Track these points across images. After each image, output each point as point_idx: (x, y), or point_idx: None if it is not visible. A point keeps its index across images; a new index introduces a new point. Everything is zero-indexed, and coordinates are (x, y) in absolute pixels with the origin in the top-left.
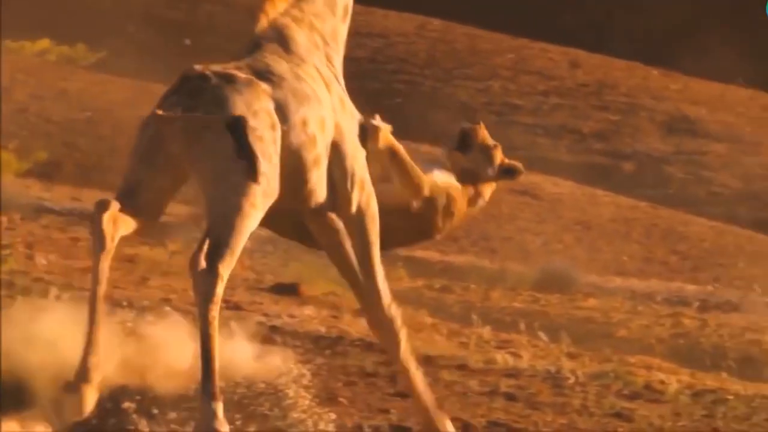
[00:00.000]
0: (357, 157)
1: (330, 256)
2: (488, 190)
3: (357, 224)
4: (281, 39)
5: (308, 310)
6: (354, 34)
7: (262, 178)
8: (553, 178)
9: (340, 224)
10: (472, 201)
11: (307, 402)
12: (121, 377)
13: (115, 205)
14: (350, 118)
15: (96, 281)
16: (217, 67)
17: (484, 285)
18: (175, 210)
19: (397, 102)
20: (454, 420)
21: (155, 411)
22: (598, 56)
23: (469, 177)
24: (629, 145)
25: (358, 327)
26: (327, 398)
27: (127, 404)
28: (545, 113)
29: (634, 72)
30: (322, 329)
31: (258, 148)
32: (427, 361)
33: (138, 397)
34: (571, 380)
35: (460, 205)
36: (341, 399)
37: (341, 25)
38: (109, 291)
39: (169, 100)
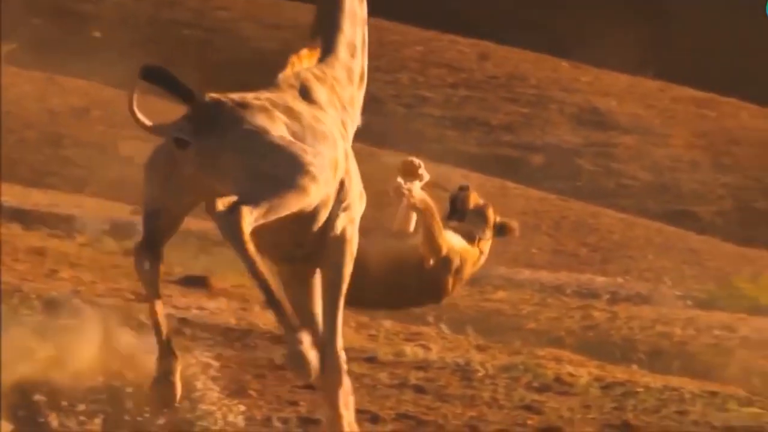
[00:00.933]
0: (355, 204)
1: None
2: (487, 246)
3: (335, 249)
4: (303, 88)
5: (218, 303)
6: (263, 25)
7: (311, 167)
8: (463, 170)
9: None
10: (476, 262)
11: (216, 394)
12: (31, 370)
13: (152, 251)
14: (355, 174)
15: (158, 326)
16: (234, 95)
17: None
18: (85, 203)
19: None
20: (363, 412)
21: (64, 403)
22: (507, 48)
23: (468, 239)
24: (539, 138)
25: (267, 320)
26: (236, 390)
27: (37, 397)
28: (454, 105)
29: (543, 64)
30: (232, 322)
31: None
32: None
33: (47, 390)
34: (481, 373)
35: (468, 268)
36: (250, 391)
37: (358, 93)
38: (18, 283)
39: (182, 127)
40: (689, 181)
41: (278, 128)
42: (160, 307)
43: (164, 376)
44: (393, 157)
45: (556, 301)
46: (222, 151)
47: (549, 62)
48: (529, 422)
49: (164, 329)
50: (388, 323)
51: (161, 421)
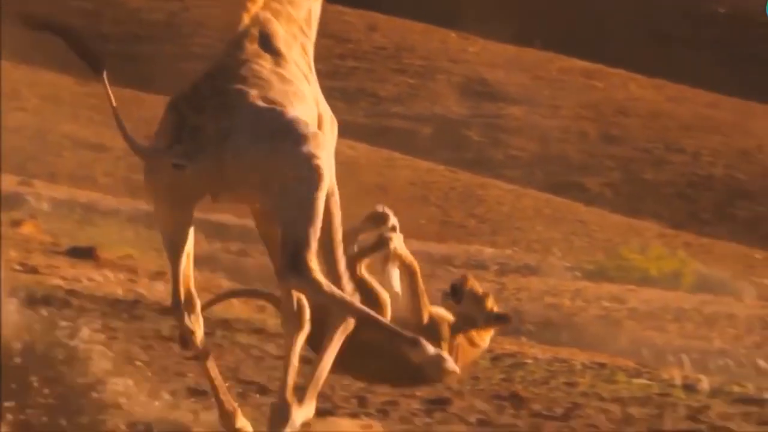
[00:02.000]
0: (329, 148)
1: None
2: (486, 336)
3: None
4: (262, 36)
5: (105, 274)
6: None
7: (322, 162)
8: (350, 141)
9: None
10: (472, 349)
11: (103, 365)
12: None
13: (188, 294)
14: (324, 111)
15: (214, 384)
16: (205, 88)
17: None
18: None
19: (193, 66)
20: (250, 383)
21: None
22: (395, 19)
23: (463, 322)
24: (427, 109)
25: (154, 291)
26: (124, 362)
27: None
28: (342, 76)
29: (431, 35)
30: (119, 293)
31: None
32: (224, 325)
33: None
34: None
35: (464, 352)
36: (138, 362)
37: (315, 4)
38: None
39: (177, 152)
40: (577, 153)
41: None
42: (212, 363)
43: None
44: None
45: (445, 272)
46: (225, 167)
47: (437, 33)
48: (418, 394)
49: (220, 386)
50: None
51: (47, 390)
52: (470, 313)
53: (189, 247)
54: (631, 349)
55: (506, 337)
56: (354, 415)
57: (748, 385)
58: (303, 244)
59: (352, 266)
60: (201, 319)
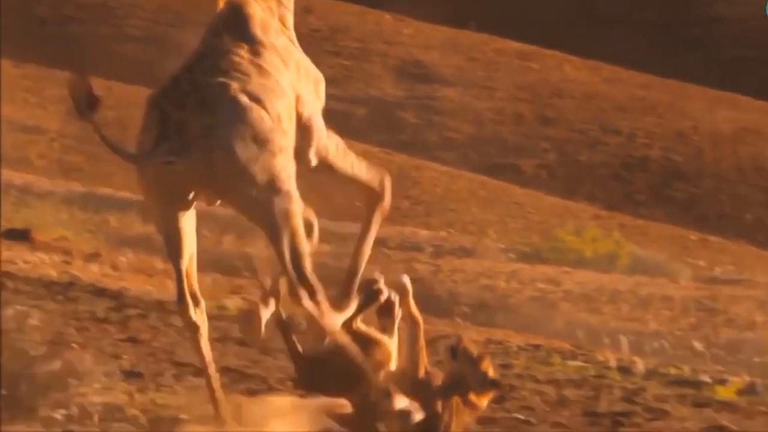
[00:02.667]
0: (314, 115)
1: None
2: (483, 400)
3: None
4: (239, 22)
5: (40, 256)
6: None
7: (288, 187)
8: None
9: None
10: (467, 409)
11: (38, 347)
12: None
13: (191, 289)
14: (306, 81)
15: (202, 357)
16: (185, 83)
17: (216, 231)
18: None
19: (129, 47)
20: (185, 365)
21: None
22: (330, 1)
23: (455, 382)
24: (362, 91)
25: (89, 273)
26: (59, 343)
27: None
28: None
29: (366, 17)
30: (54, 275)
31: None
32: (158, 307)
33: None
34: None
35: (459, 411)
36: (73, 344)
37: None
38: None
39: (163, 150)
40: (513, 134)
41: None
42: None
43: None
44: None
45: (380, 254)
46: (214, 164)
47: (372, 15)
48: None
49: (215, 380)
50: (210, 277)
51: None
52: (463, 373)
53: (192, 247)
54: (566, 331)
55: (441, 318)
56: None
57: (684, 366)
58: (297, 253)
59: (348, 324)
60: (205, 315)
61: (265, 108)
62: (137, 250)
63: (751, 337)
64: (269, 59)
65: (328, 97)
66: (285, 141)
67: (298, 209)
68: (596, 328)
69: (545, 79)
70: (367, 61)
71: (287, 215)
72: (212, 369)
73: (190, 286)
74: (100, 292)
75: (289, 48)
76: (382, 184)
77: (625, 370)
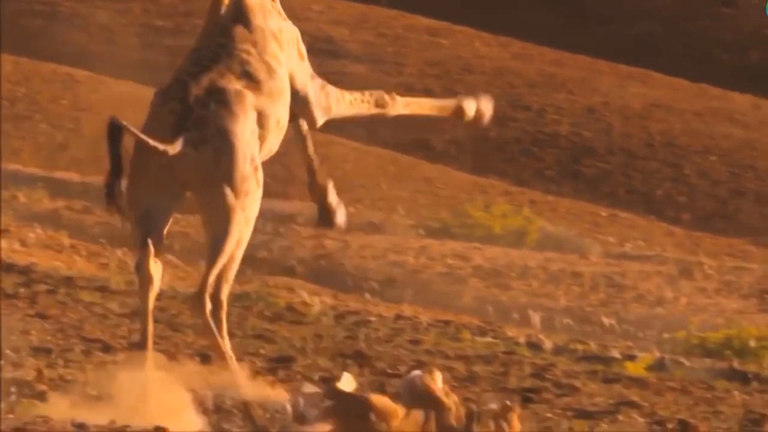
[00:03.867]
0: (307, 83)
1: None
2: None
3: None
4: (242, 15)
5: None
6: None
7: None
8: None
9: None
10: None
11: None
12: None
13: (152, 248)
14: (291, 48)
15: (146, 320)
16: (207, 82)
17: None
18: None
19: (38, 23)
20: (93, 341)
21: None
22: None
23: None
24: None
25: None
26: None
27: None
28: (186, 34)
29: None
30: None
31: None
32: (66, 283)
33: None
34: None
35: None
36: None
37: None
38: None
39: (166, 124)
40: None
41: (248, 122)
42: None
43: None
44: (125, 86)
45: (289, 230)
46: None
47: None
48: (262, 351)
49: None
50: (120, 251)
51: None
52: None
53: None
54: (475, 307)
55: (350, 294)
56: None
57: (593, 343)
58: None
59: None
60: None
61: (267, 122)
62: (46, 226)
63: (661, 313)
64: (271, 50)
65: None
66: (276, 144)
67: (246, 234)
68: (506, 304)
69: (455, 55)
70: None
71: (240, 237)
72: (150, 322)
73: (155, 243)
74: (8, 268)
75: (281, 27)
76: (381, 99)
77: (534, 346)
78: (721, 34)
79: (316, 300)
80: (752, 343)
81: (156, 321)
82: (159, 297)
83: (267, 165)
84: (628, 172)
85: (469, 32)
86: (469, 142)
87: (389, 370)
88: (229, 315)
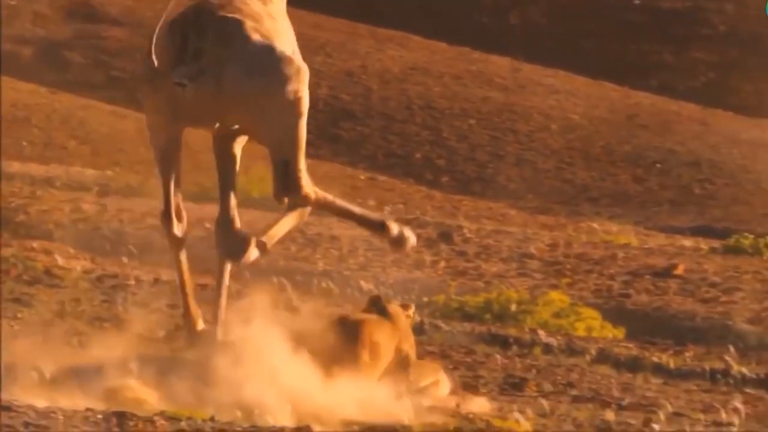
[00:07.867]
0: (296, 47)
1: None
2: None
3: None
4: None
5: None
6: None
7: (305, 94)
8: None
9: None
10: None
11: None
12: None
13: (176, 206)
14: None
15: (181, 273)
16: (206, 14)
17: None
18: None
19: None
20: None
21: None
22: None
23: None
24: (29, 31)
25: None
26: None
27: None
28: None
29: None
30: None
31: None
32: None
33: None
34: None
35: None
36: None
37: None
38: None
39: (181, 72)
40: None
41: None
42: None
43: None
44: None
45: (46, 193)
46: (222, 93)
47: None
48: (19, 315)
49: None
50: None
51: None
52: None
53: (179, 167)
54: (233, 270)
55: (108, 258)
56: None
57: (348, 306)
58: (293, 165)
59: None
60: (185, 228)
61: (274, 44)
62: None
63: (420, 277)
64: (276, 8)
65: None
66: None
67: (303, 123)
68: (263, 267)
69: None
70: (34, 1)
71: (295, 129)
72: (189, 284)
73: (176, 203)
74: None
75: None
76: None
77: (294, 311)
78: None
79: (74, 263)
80: (512, 307)
81: None
82: None
83: (23, 129)
84: (387, 135)
85: None
86: None
87: (147, 334)
88: None
